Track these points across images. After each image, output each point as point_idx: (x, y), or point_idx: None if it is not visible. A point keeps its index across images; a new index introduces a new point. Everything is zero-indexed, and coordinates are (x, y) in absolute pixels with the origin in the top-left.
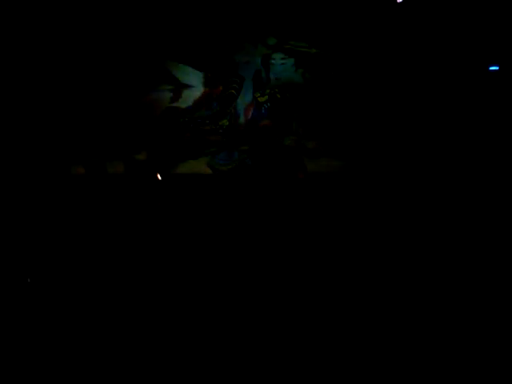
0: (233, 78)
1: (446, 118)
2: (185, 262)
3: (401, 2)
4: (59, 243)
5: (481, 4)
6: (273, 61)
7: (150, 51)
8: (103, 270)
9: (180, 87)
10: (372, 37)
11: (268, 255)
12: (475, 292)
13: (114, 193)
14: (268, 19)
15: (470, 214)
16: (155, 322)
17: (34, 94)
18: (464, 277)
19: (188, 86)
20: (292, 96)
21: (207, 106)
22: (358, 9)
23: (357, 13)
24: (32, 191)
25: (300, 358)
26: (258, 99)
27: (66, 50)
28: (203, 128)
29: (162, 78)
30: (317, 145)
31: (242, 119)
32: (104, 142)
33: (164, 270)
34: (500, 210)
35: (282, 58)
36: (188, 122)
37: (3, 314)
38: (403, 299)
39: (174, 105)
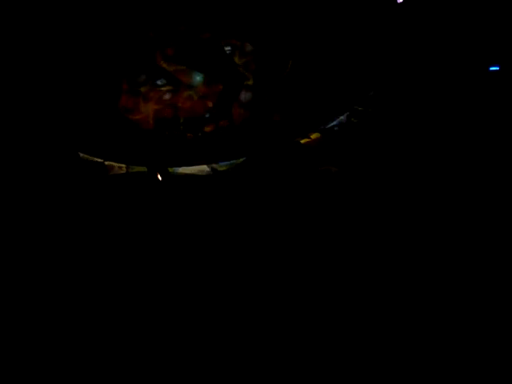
0: (233, 77)
1: (446, 118)
2: (184, 263)
3: (401, 3)
4: (57, 242)
5: (481, 4)
6: (273, 61)
7: (150, 51)
8: (101, 269)
9: (180, 87)
10: (372, 37)
11: (268, 255)
12: (475, 292)
13: (114, 193)
14: (269, 19)
15: (470, 215)
16: (154, 322)
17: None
18: (464, 277)
19: (188, 86)
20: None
21: (207, 106)
22: (358, 9)
23: (356, 13)
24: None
25: (300, 357)
26: (259, 99)
27: (64, 50)
28: (203, 128)
29: (162, 78)
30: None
31: (241, 119)
32: (103, 143)
33: (164, 271)
34: (500, 210)
35: (282, 58)
36: (188, 122)
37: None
38: (403, 300)
39: (175, 105)
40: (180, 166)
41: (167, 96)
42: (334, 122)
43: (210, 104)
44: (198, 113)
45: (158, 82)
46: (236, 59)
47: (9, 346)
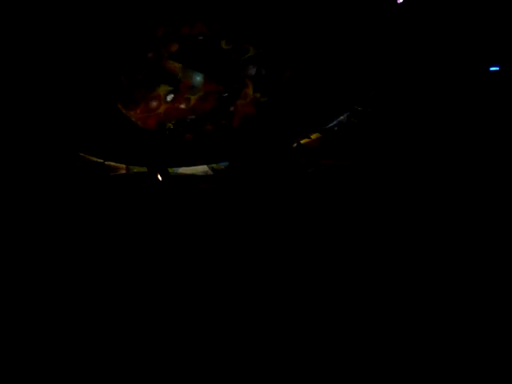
0: (233, 78)
1: (446, 118)
2: (184, 262)
3: (401, 3)
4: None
5: (481, 4)
6: (274, 61)
7: (150, 51)
8: (102, 268)
9: (180, 87)
10: (372, 37)
11: (269, 255)
12: (476, 292)
13: (114, 193)
14: (269, 19)
15: (470, 215)
16: (154, 321)
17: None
18: (464, 277)
19: (188, 86)
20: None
21: (207, 106)
22: (358, 9)
23: (357, 13)
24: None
25: (300, 358)
26: (260, 99)
27: (63, 50)
28: (203, 128)
29: (162, 78)
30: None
31: (242, 119)
32: (104, 143)
33: (164, 270)
34: (500, 210)
35: (283, 58)
36: (188, 122)
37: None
38: (403, 299)
39: (175, 105)
40: (180, 166)
41: (167, 96)
42: (334, 122)
43: (211, 104)
44: (198, 113)
45: (168, 99)
46: (222, 43)
47: (9, 345)
